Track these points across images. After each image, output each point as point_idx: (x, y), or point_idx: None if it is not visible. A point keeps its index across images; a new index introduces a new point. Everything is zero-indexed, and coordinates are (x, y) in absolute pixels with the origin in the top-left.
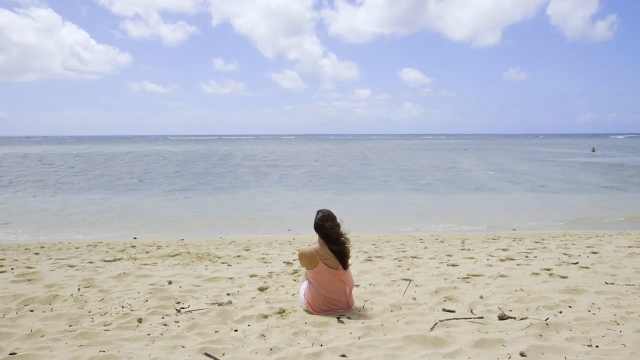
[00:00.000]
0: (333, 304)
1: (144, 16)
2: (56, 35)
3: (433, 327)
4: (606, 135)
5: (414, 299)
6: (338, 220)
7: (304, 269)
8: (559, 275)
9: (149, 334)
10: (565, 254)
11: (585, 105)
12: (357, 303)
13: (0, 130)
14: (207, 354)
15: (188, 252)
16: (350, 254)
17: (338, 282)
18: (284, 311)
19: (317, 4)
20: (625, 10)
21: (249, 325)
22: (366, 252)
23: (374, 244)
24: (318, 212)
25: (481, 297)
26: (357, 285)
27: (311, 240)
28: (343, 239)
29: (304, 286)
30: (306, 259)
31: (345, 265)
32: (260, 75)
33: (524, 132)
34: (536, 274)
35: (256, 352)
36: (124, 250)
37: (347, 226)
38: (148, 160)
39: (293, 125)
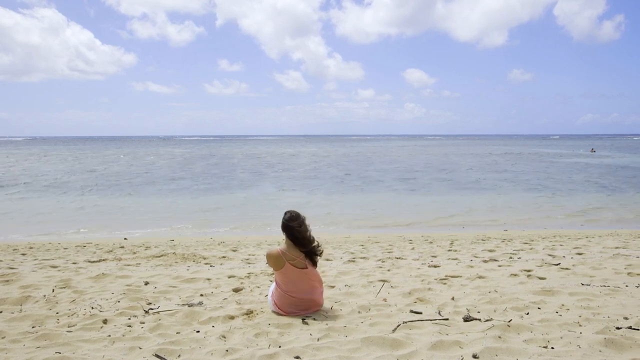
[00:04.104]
0: (300, 304)
1: (151, 16)
2: (61, 36)
3: (395, 328)
4: (623, 135)
5: (385, 300)
6: (306, 222)
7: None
8: (538, 277)
9: (110, 335)
10: (550, 255)
11: (587, 106)
12: (327, 304)
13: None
14: (157, 356)
15: (174, 253)
16: (320, 252)
17: (304, 282)
18: (251, 312)
19: (324, 5)
20: (632, 10)
21: (212, 327)
22: (352, 253)
23: (362, 245)
24: (285, 213)
25: (452, 298)
26: (333, 287)
27: None
28: (310, 238)
29: (272, 287)
30: (273, 260)
31: (314, 263)
32: (264, 75)
33: (525, 132)
34: (515, 275)
35: (212, 354)
36: (111, 250)
37: (323, 227)
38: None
39: (294, 126)
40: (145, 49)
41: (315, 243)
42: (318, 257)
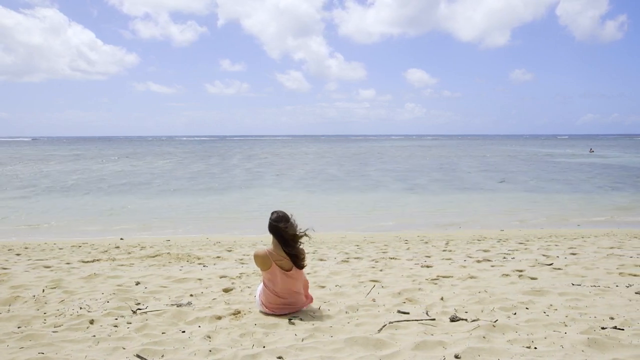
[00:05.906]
0: (286, 304)
1: (153, 16)
2: (63, 36)
3: (381, 329)
4: (626, 135)
5: (374, 300)
6: (292, 222)
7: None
8: (529, 277)
9: (95, 336)
10: (544, 255)
11: (587, 106)
12: (316, 304)
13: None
14: (138, 356)
15: (168, 253)
16: (305, 255)
17: (291, 283)
18: (239, 312)
19: (327, 5)
20: (635, 10)
21: (199, 327)
22: (347, 254)
23: (357, 245)
24: (272, 213)
25: (442, 298)
26: (323, 287)
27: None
28: (297, 239)
29: (260, 287)
30: (260, 260)
31: (299, 266)
32: (265, 76)
33: (525, 132)
34: (506, 275)
35: (195, 354)
36: (106, 251)
37: (311, 226)
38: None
39: (294, 126)
40: (147, 49)
41: (301, 244)
42: (303, 262)
